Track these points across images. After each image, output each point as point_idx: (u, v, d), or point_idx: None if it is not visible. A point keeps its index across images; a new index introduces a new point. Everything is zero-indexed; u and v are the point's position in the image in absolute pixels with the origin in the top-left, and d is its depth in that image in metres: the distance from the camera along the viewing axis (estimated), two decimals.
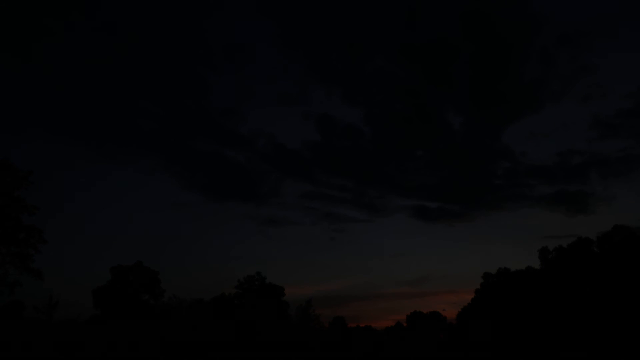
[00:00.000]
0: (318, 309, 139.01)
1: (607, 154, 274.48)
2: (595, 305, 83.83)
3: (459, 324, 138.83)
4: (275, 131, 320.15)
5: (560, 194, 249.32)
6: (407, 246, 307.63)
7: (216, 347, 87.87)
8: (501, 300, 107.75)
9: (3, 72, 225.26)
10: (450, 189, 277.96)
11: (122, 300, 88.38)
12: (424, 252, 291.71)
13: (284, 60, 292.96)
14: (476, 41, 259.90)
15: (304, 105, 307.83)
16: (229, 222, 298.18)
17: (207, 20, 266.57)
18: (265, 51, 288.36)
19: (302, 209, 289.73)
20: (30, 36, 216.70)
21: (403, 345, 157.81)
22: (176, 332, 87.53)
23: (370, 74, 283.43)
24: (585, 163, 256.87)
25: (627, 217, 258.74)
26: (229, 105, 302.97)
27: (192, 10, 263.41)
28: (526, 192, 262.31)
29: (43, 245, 47.63)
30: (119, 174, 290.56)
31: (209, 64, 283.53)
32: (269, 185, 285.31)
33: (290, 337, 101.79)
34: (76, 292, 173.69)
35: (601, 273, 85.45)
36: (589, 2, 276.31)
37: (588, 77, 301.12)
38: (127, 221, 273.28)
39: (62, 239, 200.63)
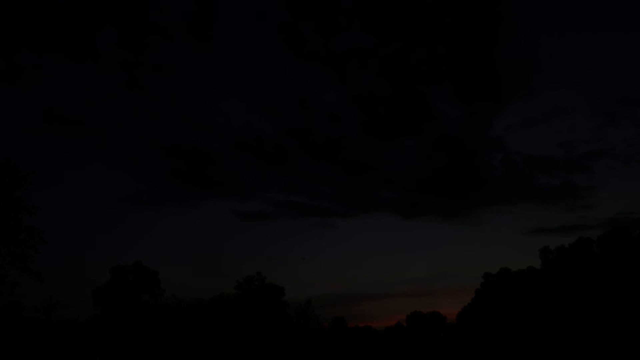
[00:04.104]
0: (317, 309, 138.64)
1: (611, 144, 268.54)
2: (596, 305, 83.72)
3: (459, 324, 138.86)
4: (254, 118, 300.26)
5: (563, 187, 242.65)
6: (402, 244, 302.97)
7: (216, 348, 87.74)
8: (502, 300, 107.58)
9: None
10: (445, 181, 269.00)
11: (122, 300, 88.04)
12: (421, 250, 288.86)
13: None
14: (459, 17, 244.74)
15: (283, 88, 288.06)
16: (213, 218, 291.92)
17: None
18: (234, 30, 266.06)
19: (289, 204, 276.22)
20: None
21: (403, 345, 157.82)
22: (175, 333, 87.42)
23: (348, 53, 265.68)
24: (587, 154, 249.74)
25: (633, 210, 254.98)
26: (203, 92, 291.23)
27: None
28: (526, 184, 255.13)
29: (43, 246, 47.31)
30: (86, 167, 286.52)
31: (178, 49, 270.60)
32: (253, 178, 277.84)
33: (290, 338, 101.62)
34: (76, 292, 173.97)
35: (602, 273, 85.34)
36: None
37: (584, 63, 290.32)
38: (109, 218, 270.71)
39: (61, 239, 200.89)
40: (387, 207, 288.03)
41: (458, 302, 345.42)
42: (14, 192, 46.00)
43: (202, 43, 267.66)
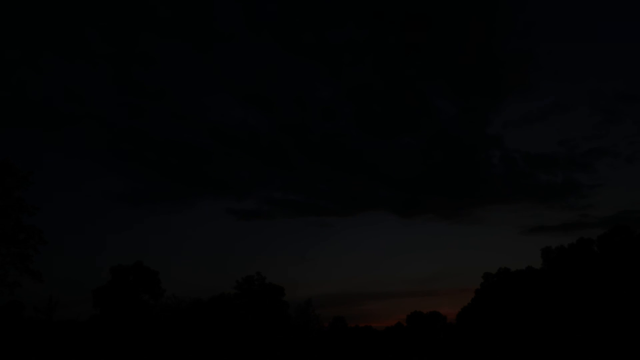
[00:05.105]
0: (317, 309, 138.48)
1: (612, 141, 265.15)
2: (596, 306, 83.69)
3: (459, 324, 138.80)
4: (248, 115, 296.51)
5: (564, 185, 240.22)
6: (401, 243, 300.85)
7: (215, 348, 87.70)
8: (502, 300, 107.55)
9: None
10: (443, 179, 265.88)
11: (122, 301, 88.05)
12: (421, 250, 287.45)
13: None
14: (456, 10, 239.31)
15: (278, 84, 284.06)
16: (209, 217, 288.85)
17: None
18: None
19: (285, 202, 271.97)
20: None
21: (403, 345, 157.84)
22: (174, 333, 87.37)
23: (343, 47, 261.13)
24: (589, 152, 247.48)
25: (634, 208, 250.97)
26: (196, 88, 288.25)
27: None
28: (527, 182, 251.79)
29: (43, 246, 47.32)
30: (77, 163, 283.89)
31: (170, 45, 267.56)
32: (248, 176, 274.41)
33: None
34: (76, 292, 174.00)
35: (602, 273, 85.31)
36: None
37: (583, 58, 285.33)
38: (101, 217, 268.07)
39: (61, 239, 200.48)
40: (385, 206, 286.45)
41: (458, 302, 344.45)
42: (14, 192, 46.01)
43: (195, 39, 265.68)
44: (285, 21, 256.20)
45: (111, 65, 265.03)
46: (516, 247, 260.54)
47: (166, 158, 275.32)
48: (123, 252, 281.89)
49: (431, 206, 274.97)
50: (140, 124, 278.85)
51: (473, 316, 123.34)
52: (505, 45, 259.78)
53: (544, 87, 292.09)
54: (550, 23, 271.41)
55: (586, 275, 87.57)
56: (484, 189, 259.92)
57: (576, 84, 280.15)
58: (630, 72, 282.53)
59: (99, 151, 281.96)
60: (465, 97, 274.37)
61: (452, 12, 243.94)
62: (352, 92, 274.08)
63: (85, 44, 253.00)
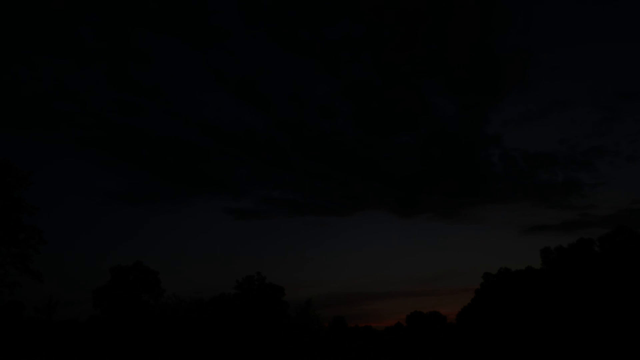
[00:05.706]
0: (317, 309, 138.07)
1: (612, 140, 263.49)
2: (597, 306, 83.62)
3: (459, 324, 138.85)
4: (244, 112, 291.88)
5: (565, 184, 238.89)
6: (401, 243, 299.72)
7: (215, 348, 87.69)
8: (502, 300, 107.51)
9: None
10: (443, 179, 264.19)
11: (122, 301, 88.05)
12: (420, 250, 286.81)
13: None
14: (453, 7, 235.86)
15: (274, 82, 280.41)
16: (207, 216, 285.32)
17: None
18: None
19: (283, 202, 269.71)
20: None
21: (403, 345, 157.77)
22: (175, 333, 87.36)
23: (339, 43, 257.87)
24: (589, 150, 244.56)
25: (635, 207, 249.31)
26: (192, 86, 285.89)
27: None
28: (527, 181, 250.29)
29: (43, 246, 47.33)
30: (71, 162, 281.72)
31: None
32: (245, 175, 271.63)
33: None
34: (76, 292, 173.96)
35: (603, 273, 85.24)
36: None
37: (583, 56, 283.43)
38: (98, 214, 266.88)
39: (61, 239, 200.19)
40: (384, 205, 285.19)
41: (458, 302, 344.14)
42: (14, 192, 46.01)
43: (191, 36, 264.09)
44: (281, 18, 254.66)
45: (107, 64, 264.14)
46: (516, 247, 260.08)
47: (164, 157, 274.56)
48: (123, 252, 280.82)
49: (430, 205, 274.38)
50: (138, 123, 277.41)
51: (473, 316, 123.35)
52: (504, 42, 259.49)
53: (544, 85, 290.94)
54: (549, 21, 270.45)
55: (586, 275, 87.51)
56: (483, 188, 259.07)
57: (576, 81, 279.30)
58: (630, 71, 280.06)
59: (97, 150, 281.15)
60: (464, 95, 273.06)
61: (451, 8, 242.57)
62: (350, 90, 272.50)
63: (81, 42, 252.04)
